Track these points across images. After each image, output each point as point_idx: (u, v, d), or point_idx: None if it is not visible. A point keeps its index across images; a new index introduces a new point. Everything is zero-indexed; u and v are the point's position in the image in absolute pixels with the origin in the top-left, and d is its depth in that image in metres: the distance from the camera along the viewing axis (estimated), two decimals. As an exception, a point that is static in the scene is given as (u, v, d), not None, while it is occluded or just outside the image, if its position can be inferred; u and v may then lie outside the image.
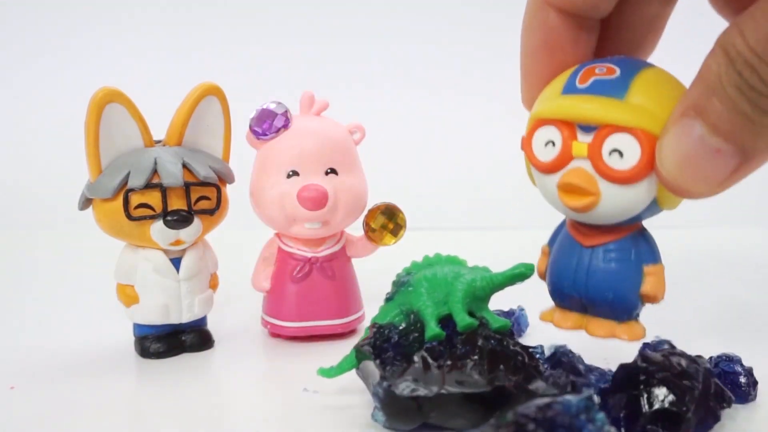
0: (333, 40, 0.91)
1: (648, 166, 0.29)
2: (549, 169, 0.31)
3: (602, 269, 0.32)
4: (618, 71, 0.30)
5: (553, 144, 0.31)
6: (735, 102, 0.26)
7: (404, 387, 0.28)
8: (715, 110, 0.26)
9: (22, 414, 0.32)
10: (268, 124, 0.39)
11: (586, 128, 0.30)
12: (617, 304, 0.32)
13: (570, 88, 0.31)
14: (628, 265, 0.32)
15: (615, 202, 0.30)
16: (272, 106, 0.39)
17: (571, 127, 0.30)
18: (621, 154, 0.29)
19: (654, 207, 0.31)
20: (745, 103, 0.25)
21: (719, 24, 0.31)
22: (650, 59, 0.36)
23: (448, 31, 0.91)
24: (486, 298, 0.34)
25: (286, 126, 0.39)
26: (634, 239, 0.32)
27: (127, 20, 0.92)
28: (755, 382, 0.31)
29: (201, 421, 0.31)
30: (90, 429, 0.30)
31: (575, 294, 0.33)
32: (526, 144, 0.32)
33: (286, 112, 0.39)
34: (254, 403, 0.33)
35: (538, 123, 0.31)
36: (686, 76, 0.30)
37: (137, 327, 0.39)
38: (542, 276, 0.35)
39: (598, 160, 0.29)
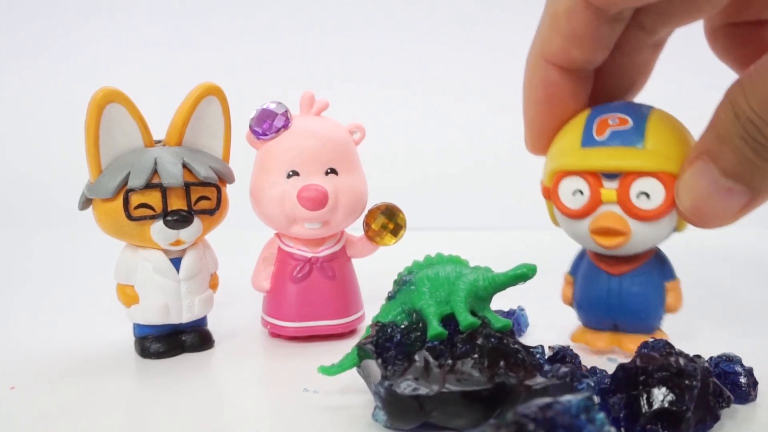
0: (333, 40, 0.91)
1: (672, 203, 0.33)
2: (579, 215, 0.34)
3: (634, 293, 0.35)
4: (630, 121, 0.33)
5: (581, 192, 0.34)
6: (741, 150, 0.29)
7: (406, 386, 0.28)
8: (725, 156, 0.29)
9: (22, 414, 0.32)
10: (268, 124, 0.39)
11: (610, 176, 0.33)
12: (648, 321, 0.36)
13: (589, 141, 0.34)
14: (654, 285, 0.36)
15: (644, 237, 0.34)
16: (272, 106, 0.39)
17: (596, 176, 0.34)
18: (648, 196, 0.33)
19: (671, 233, 0.35)
20: (750, 151, 0.29)
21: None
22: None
23: (448, 32, 0.91)
24: (488, 298, 0.34)
25: (286, 126, 0.39)
26: (654, 262, 0.36)
27: (128, 20, 0.92)
28: (755, 382, 0.31)
29: (201, 421, 0.31)
30: (90, 429, 0.30)
31: (608, 318, 0.36)
32: (553, 194, 0.35)
33: (286, 112, 0.39)
34: (254, 403, 0.33)
35: (562, 175, 0.35)
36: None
37: (137, 327, 0.39)
38: (569, 303, 0.38)
39: (627, 203, 0.33)
